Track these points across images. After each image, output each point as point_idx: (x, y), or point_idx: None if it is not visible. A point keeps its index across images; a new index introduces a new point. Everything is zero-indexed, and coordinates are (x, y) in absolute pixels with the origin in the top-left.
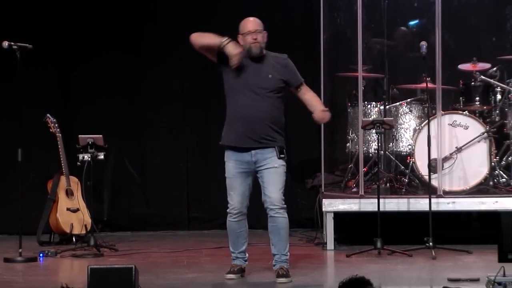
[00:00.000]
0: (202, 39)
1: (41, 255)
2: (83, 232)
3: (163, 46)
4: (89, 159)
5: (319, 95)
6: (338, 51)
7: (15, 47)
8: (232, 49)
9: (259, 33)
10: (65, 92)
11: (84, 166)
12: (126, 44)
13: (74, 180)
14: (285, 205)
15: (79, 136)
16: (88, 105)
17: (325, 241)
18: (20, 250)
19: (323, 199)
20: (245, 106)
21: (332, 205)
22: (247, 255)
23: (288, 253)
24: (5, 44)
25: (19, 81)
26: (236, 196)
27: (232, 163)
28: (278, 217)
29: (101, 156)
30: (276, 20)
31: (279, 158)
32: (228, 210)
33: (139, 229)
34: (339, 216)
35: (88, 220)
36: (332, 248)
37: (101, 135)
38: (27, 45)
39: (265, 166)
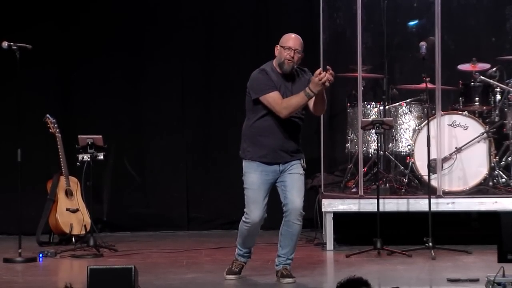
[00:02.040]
0: (292, 107)
1: (40, 255)
2: (83, 232)
3: (163, 46)
4: (89, 159)
5: None
6: (338, 51)
7: (15, 47)
8: (318, 88)
9: (297, 53)
10: (64, 92)
11: (84, 166)
12: (126, 44)
13: (73, 180)
14: (304, 213)
15: (79, 136)
16: (87, 105)
17: (324, 241)
18: (19, 251)
19: (323, 199)
20: (280, 122)
21: (331, 205)
22: (252, 250)
23: (292, 257)
24: (5, 44)
25: (19, 81)
26: (257, 211)
27: (258, 174)
28: (297, 224)
29: (101, 156)
30: (276, 20)
31: (303, 167)
32: (244, 219)
33: (139, 230)
34: (338, 216)
35: (87, 220)
36: (332, 248)
37: (100, 136)
38: (26, 45)
39: (290, 171)
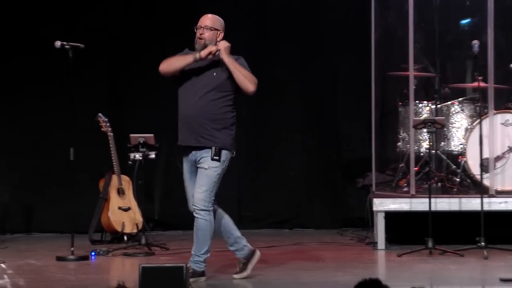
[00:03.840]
0: (175, 64)
1: (92, 253)
2: (135, 231)
3: None
4: (141, 158)
5: (369, 94)
6: (389, 50)
7: (67, 46)
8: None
9: (207, 30)
10: (116, 91)
11: (136, 165)
12: (176, 43)
13: (125, 179)
14: (206, 208)
15: (130, 135)
16: (139, 104)
17: (376, 240)
18: (72, 249)
19: (374, 199)
20: (187, 104)
21: (383, 204)
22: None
23: (203, 256)
24: (58, 44)
25: (71, 80)
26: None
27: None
28: (197, 217)
29: (152, 155)
30: (328, 19)
31: (213, 159)
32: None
33: (190, 228)
34: (390, 216)
35: (139, 219)
36: (383, 247)
37: (152, 134)
38: (79, 44)
39: (199, 165)
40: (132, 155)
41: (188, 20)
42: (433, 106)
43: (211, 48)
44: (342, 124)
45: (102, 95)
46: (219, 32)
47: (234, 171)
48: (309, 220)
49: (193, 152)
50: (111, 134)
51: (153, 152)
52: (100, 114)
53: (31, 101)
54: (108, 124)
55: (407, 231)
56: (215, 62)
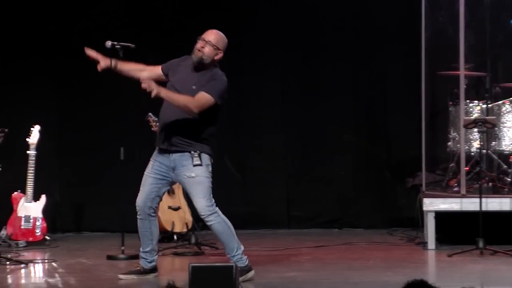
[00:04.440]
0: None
1: None
2: (184, 230)
3: (262, 44)
4: None
5: (419, 94)
6: (440, 49)
7: (118, 46)
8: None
9: (209, 46)
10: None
11: None
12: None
13: None
14: (212, 211)
15: None
16: None
17: (426, 240)
18: (122, 248)
19: (424, 198)
20: (165, 111)
21: (433, 204)
22: (152, 257)
23: (238, 254)
24: (108, 43)
25: (121, 80)
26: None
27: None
28: (210, 224)
29: None
30: (377, 19)
31: (195, 165)
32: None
33: (239, 228)
34: (440, 216)
35: (189, 218)
36: (433, 247)
37: None
38: (129, 44)
39: (184, 174)
40: None
41: (238, 21)
42: (484, 106)
43: (153, 94)
44: (391, 123)
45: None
46: (219, 52)
47: (282, 171)
48: (359, 219)
49: (171, 157)
50: None
51: None
52: (150, 114)
53: (82, 100)
54: (157, 123)
55: (458, 231)
56: (197, 76)
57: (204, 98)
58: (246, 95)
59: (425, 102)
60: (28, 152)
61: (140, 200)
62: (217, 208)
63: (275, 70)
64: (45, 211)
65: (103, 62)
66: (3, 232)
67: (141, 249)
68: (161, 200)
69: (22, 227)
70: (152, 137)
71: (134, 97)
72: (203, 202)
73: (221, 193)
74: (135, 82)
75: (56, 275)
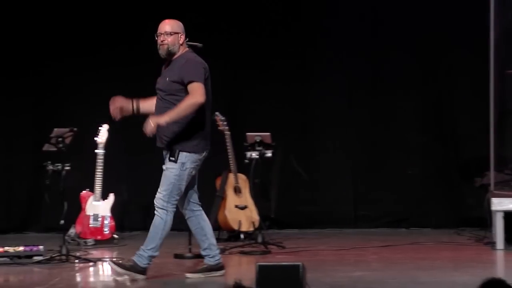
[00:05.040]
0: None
1: None
2: (251, 229)
3: (328, 43)
4: (257, 156)
5: (487, 93)
6: (508, 48)
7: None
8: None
9: (167, 36)
10: (233, 91)
11: (252, 163)
12: (291, 43)
13: (242, 177)
14: (164, 207)
15: (247, 133)
16: (256, 103)
17: (494, 240)
18: (189, 247)
19: (492, 198)
20: (155, 108)
21: (501, 204)
22: (213, 252)
23: (148, 252)
24: None
25: None
26: None
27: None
28: (155, 214)
29: (269, 153)
30: (443, 18)
31: (169, 160)
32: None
33: (306, 227)
34: (509, 215)
35: (256, 217)
36: (502, 247)
37: (269, 133)
38: (197, 44)
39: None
40: (248, 154)
41: (310, 20)
42: None
43: (148, 134)
44: (459, 123)
45: (218, 94)
46: (180, 34)
47: (349, 171)
48: (426, 219)
49: (163, 152)
50: (228, 132)
51: (270, 151)
52: (217, 113)
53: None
54: (225, 123)
55: None
56: (169, 71)
57: (192, 87)
58: (311, 95)
59: (493, 101)
60: (96, 151)
61: (179, 204)
62: (172, 208)
63: (341, 70)
64: (113, 209)
65: (126, 107)
66: (72, 230)
67: (200, 249)
68: (196, 190)
69: (90, 225)
70: (220, 135)
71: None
72: (160, 195)
73: (288, 192)
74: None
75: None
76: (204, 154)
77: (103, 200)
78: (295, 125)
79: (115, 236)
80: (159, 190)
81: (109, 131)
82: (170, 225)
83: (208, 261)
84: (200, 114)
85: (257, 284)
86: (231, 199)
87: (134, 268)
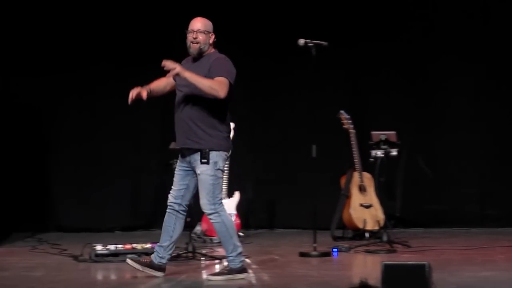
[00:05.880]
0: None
1: (335, 250)
2: (376, 228)
3: (447, 39)
4: (382, 155)
5: None
6: None
7: (311, 44)
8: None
9: (201, 34)
10: (355, 90)
11: (377, 162)
12: (411, 40)
13: (367, 176)
14: (214, 210)
15: (372, 132)
16: (381, 102)
17: None
18: (314, 245)
19: None
20: (175, 105)
21: None
22: (165, 254)
23: (232, 254)
24: (301, 41)
25: (313, 78)
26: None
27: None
28: (211, 222)
29: (394, 152)
30: (501, 17)
31: (202, 163)
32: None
33: (432, 226)
34: None
35: (381, 216)
36: None
37: (394, 132)
38: (322, 42)
39: (196, 170)
40: (373, 152)
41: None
42: None
43: (172, 73)
44: None
45: (340, 94)
46: (211, 34)
47: (476, 170)
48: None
49: (187, 153)
50: (353, 131)
51: (395, 149)
52: (342, 111)
53: (274, 99)
54: (350, 121)
55: None
56: (196, 67)
57: (222, 81)
58: (436, 92)
59: None
60: None
61: (171, 196)
62: (220, 207)
63: (466, 67)
64: (239, 207)
65: (142, 93)
66: (198, 228)
67: (158, 243)
68: (191, 196)
69: None
70: (344, 134)
71: (322, 95)
72: (205, 201)
73: (414, 191)
74: (323, 82)
75: (250, 271)
76: (230, 153)
77: (229, 198)
78: (420, 123)
79: (241, 234)
80: (200, 197)
81: (235, 129)
82: (230, 219)
83: (154, 258)
84: (223, 114)
85: (382, 283)
86: (356, 198)
87: (234, 271)
